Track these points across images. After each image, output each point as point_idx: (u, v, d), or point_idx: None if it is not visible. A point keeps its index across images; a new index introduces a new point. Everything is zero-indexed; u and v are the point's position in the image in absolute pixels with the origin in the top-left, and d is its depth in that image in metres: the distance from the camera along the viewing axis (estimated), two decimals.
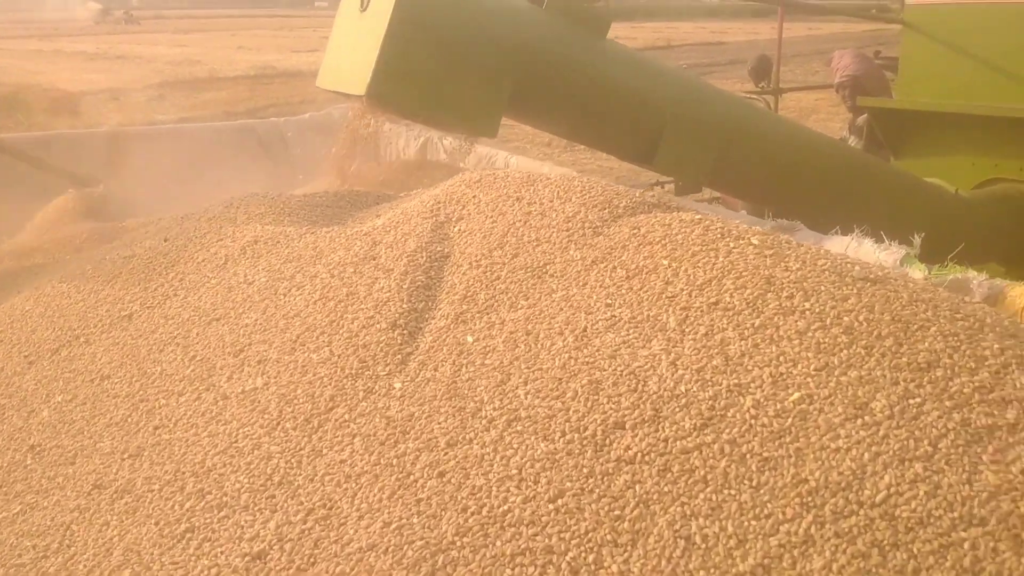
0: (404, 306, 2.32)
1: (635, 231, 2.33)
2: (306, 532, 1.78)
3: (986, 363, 1.75)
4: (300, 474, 1.93)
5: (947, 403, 1.67)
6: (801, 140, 4.34)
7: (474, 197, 2.74)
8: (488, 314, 2.23)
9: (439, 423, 1.92)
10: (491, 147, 5.47)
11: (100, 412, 2.39)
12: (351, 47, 3.21)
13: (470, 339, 2.16)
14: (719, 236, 2.21)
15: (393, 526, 1.71)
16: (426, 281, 2.42)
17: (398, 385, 2.08)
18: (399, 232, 2.67)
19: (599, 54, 3.49)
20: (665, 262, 2.17)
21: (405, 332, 2.25)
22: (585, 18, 3.45)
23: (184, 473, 2.06)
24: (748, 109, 4.67)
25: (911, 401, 1.68)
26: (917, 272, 2.75)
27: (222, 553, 1.79)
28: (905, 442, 1.60)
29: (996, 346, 1.80)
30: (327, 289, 2.50)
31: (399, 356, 2.18)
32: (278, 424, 2.08)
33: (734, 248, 2.15)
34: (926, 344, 1.79)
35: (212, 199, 4.03)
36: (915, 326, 1.84)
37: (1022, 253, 4.65)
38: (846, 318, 1.88)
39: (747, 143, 3.94)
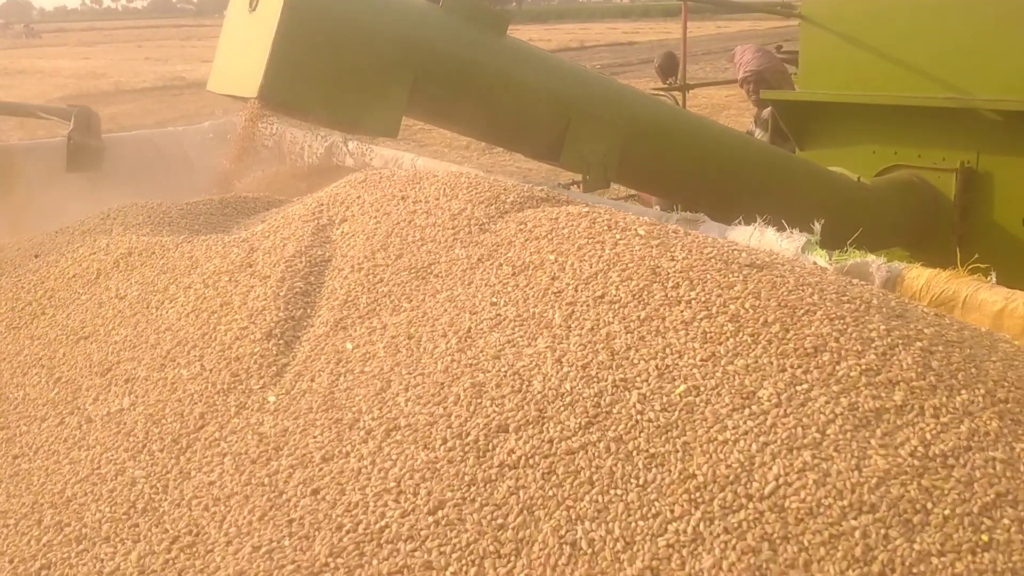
0: (280, 314, 2.20)
1: (522, 226, 2.25)
2: (170, 562, 1.64)
3: (872, 345, 1.71)
4: (166, 499, 1.79)
5: (834, 388, 1.62)
6: (705, 134, 4.34)
7: (358, 198, 2.63)
8: (369, 319, 2.12)
9: (314, 437, 1.80)
10: (396, 150, 5.35)
11: None
12: (241, 49, 3.08)
13: (349, 346, 2.05)
14: (605, 228, 2.14)
15: (263, 550, 1.59)
16: (304, 287, 2.30)
17: (272, 399, 1.96)
18: (278, 237, 2.54)
19: (498, 51, 3.42)
20: (551, 256, 2.09)
21: (281, 342, 2.13)
22: (483, 16, 3.38)
23: (42, 505, 1.90)
24: (652, 104, 4.65)
25: (798, 388, 1.63)
26: (819, 258, 2.74)
27: None
28: (793, 430, 1.55)
29: (883, 327, 1.76)
30: (200, 300, 2.36)
31: (274, 368, 2.06)
32: (144, 447, 1.93)
33: (620, 240, 2.08)
34: (812, 328, 1.75)
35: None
36: (801, 311, 1.80)
37: (925, 237, 4.74)
38: (732, 306, 1.82)
39: (652, 138, 3.92)
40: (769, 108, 6.66)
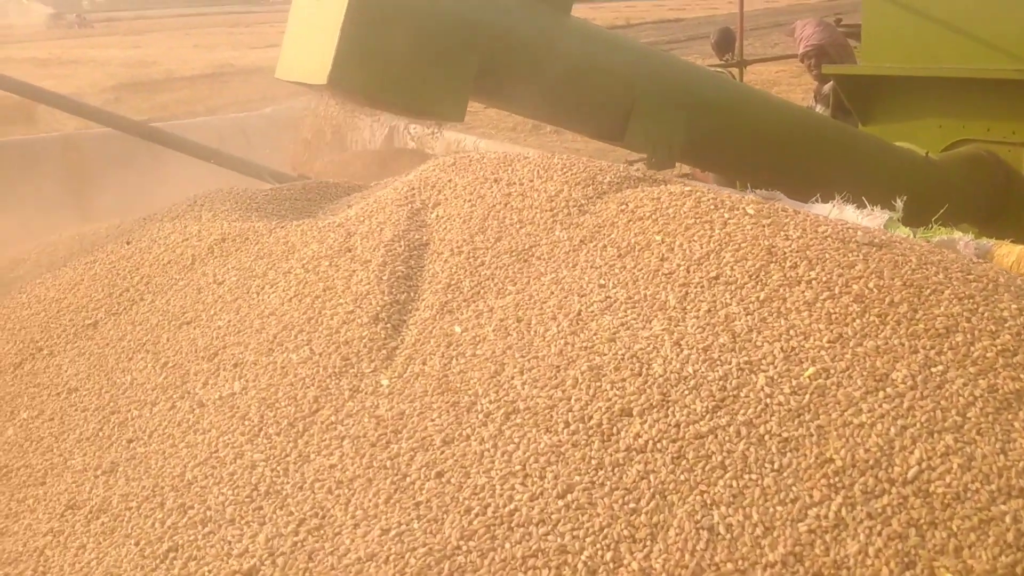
0: (385, 298, 2.20)
1: (623, 207, 2.22)
2: (299, 544, 1.65)
3: (1006, 325, 1.67)
4: (288, 482, 1.80)
5: (971, 369, 1.58)
6: (771, 110, 4.28)
7: (450, 181, 2.62)
8: (475, 302, 2.12)
9: (432, 420, 1.80)
10: (459, 132, 5.35)
11: (69, 427, 2.25)
12: (309, 36, 3.09)
13: (458, 329, 2.05)
14: (712, 207, 2.11)
15: (392, 533, 1.60)
16: (406, 271, 2.30)
17: (385, 382, 1.96)
18: (374, 221, 2.54)
19: (564, 31, 3.41)
20: (658, 237, 2.06)
21: (388, 326, 2.13)
22: None
23: (163, 488, 1.92)
24: (716, 81, 4.60)
25: (933, 369, 1.59)
26: (902, 236, 2.68)
27: (210, 572, 1.66)
28: (932, 413, 1.51)
29: (1014, 306, 1.72)
30: (302, 285, 2.37)
31: (384, 351, 2.06)
32: (260, 430, 1.95)
33: (729, 219, 2.05)
34: (942, 308, 1.71)
35: (175, 198, 3.87)
36: (928, 290, 1.76)
37: (993, 213, 4.64)
38: (855, 286, 1.79)
39: (717, 116, 3.89)
40: (831, 83, 6.54)
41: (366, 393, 1.95)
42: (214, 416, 2.06)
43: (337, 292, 2.29)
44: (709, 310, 1.82)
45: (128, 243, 3.06)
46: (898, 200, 2.94)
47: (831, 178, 4.24)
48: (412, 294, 2.23)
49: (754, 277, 1.86)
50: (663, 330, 1.80)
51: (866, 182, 4.30)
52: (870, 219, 2.84)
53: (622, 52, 3.70)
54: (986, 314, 1.69)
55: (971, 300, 1.73)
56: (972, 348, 1.62)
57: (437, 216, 2.50)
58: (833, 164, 4.30)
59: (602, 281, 2.01)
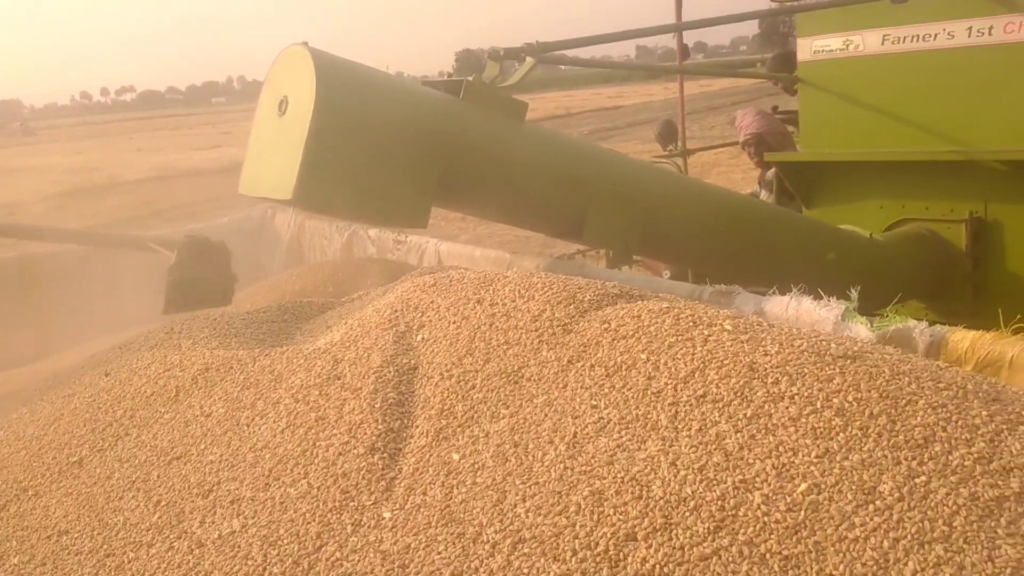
0: (380, 427, 2.25)
1: (606, 326, 2.32)
2: None
3: (979, 432, 1.77)
4: None
5: (952, 478, 1.68)
6: (720, 201, 4.48)
7: (432, 302, 2.70)
8: (470, 427, 2.18)
9: (439, 553, 1.84)
10: (418, 236, 5.45)
11: (63, 573, 2.23)
12: (272, 152, 3.17)
13: (456, 456, 2.10)
14: (692, 324, 2.21)
15: None
16: (398, 397, 2.35)
17: (387, 514, 2.00)
18: (360, 347, 2.60)
19: (520, 138, 3.56)
20: (643, 356, 2.15)
21: (385, 455, 2.17)
22: (503, 104, 3.52)
23: None
24: (666, 177, 4.80)
25: (917, 480, 1.68)
26: (860, 327, 2.81)
27: None
28: (920, 524, 1.60)
29: (984, 413, 1.82)
30: (293, 416, 2.41)
31: (383, 482, 2.10)
32: (264, 570, 1.96)
33: (709, 336, 2.15)
34: (918, 419, 1.81)
35: (148, 322, 3.89)
36: (903, 401, 1.86)
37: (939, 288, 4.83)
38: (835, 399, 1.88)
39: (669, 210, 4.07)
40: (773, 169, 6.81)
41: (369, 527, 1.98)
42: (215, 556, 2.06)
43: (330, 422, 2.33)
44: (700, 428, 1.90)
45: (107, 375, 3.06)
46: (852, 290, 3.07)
47: (782, 263, 4.43)
48: (405, 421, 2.28)
49: (739, 394, 1.95)
50: (659, 451, 1.88)
51: (816, 266, 4.48)
52: (827, 310, 2.97)
53: (575, 155, 3.87)
54: (960, 422, 1.79)
55: (944, 409, 1.83)
56: (951, 457, 1.72)
57: (423, 339, 2.56)
58: (783, 250, 4.49)
59: (594, 402, 2.08)
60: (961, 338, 2.66)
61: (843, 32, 5.60)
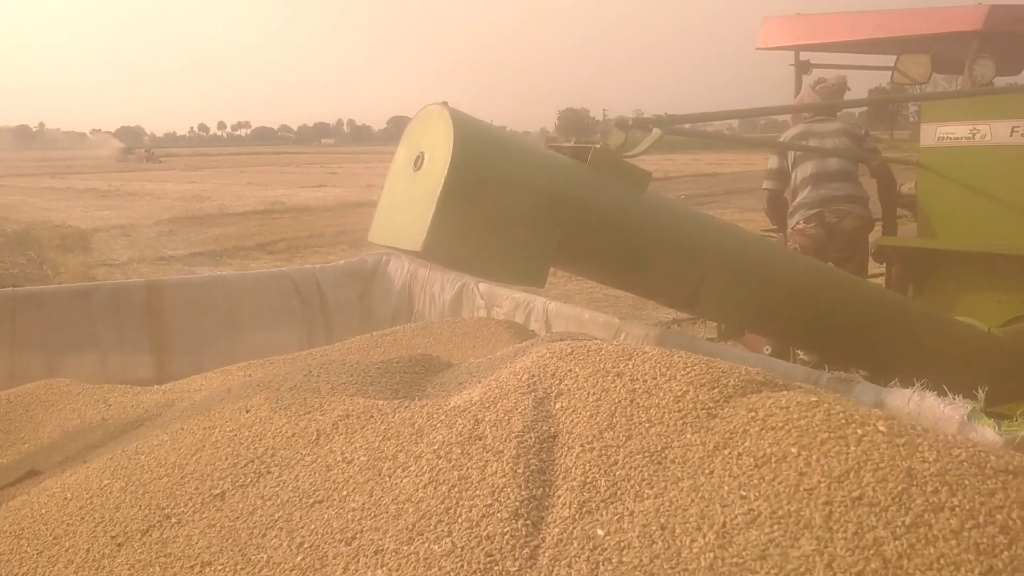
0: (523, 493, 2.29)
1: (752, 414, 2.32)
2: None
3: None
4: None
5: None
6: (838, 283, 4.45)
7: (570, 371, 2.75)
8: (613, 504, 2.20)
9: None
10: (527, 293, 5.54)
11: None
12: (405, 204, 3.32)
13: (600, 532, 2.12)
14: (844, 422, 2.21)
15: None
16: (539, 465, 2.39)
17: None
18: (500, 409, 2.66)
19: (641, 207, 3.65)
20: (794, 450, 2.15)
21: (528, 522, 2.21)
22: (626, 173, 3.61)
23: None
24: (783, 254, 4.80)
25: None
26: (988, 430, 2.74)
27: None
28: None
29: None
30: (436, 472, 2.47)
31: (527, 550, 2.14)
32: None
33: (864, 436, 2.14)
34: None
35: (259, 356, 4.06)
36: None
37: None
38: (998, 515, 1.86)
39: (784, 286, 4.07)
40: None
41: None
42: None
43: (472, 482, 2.38)
44: (856, 532, 1.89)
45: (247, 411, 3.19)
46: (980, 391, 3.01)
47: (898, 353, 4.35)
48: (547, 489, 2.32)
49: (897, 500, 1.93)
50: (813, 550, 1.87)
51: (934, 358, 4.39)
52: (952, 408, 2.91)
53: (695, 227, 3.93)
54: None
55: None
56: None
57: (561, 407, 2.61)
58: (899, 339, 4.42)
59: (743, 492, 2.09)
60: None
61: (970, 121, 5.54)
